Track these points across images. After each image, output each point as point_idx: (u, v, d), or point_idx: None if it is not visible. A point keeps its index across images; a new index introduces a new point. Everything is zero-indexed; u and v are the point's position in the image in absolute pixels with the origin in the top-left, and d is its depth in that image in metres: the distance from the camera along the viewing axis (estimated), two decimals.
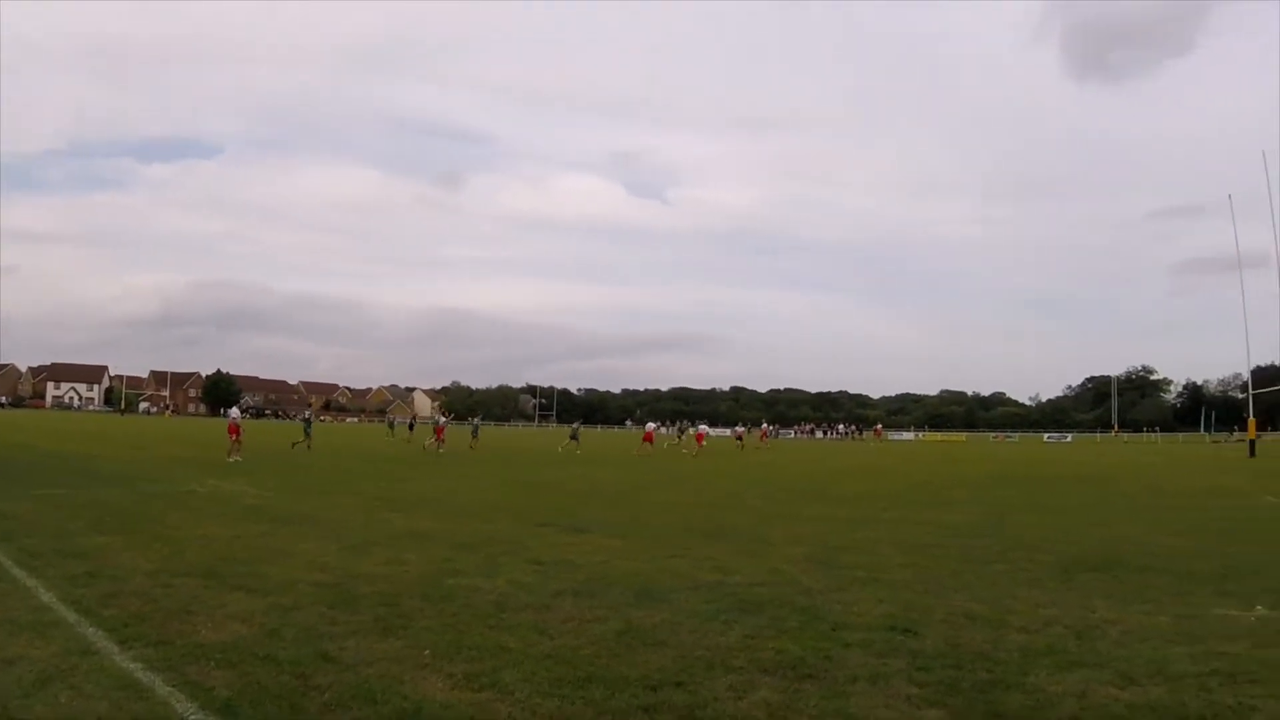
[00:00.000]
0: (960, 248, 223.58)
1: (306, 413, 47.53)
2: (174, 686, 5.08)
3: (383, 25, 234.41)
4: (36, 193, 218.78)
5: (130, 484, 17.80)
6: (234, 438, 26.44)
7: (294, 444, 34.22)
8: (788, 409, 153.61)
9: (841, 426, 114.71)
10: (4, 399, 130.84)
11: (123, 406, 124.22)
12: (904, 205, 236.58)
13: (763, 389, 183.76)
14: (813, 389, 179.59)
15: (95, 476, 19.41)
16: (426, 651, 5.84)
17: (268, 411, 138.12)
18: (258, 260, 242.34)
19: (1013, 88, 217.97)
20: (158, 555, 9.44)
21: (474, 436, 43.67)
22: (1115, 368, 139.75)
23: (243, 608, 7.05)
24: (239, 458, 25.56)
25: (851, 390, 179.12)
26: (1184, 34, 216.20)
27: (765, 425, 59.41)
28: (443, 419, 40.59)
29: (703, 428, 44.46)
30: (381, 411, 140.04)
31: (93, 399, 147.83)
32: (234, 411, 29.16)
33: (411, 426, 51.98)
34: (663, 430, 53.35)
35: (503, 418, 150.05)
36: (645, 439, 41.96)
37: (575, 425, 47.34)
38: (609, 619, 6.91)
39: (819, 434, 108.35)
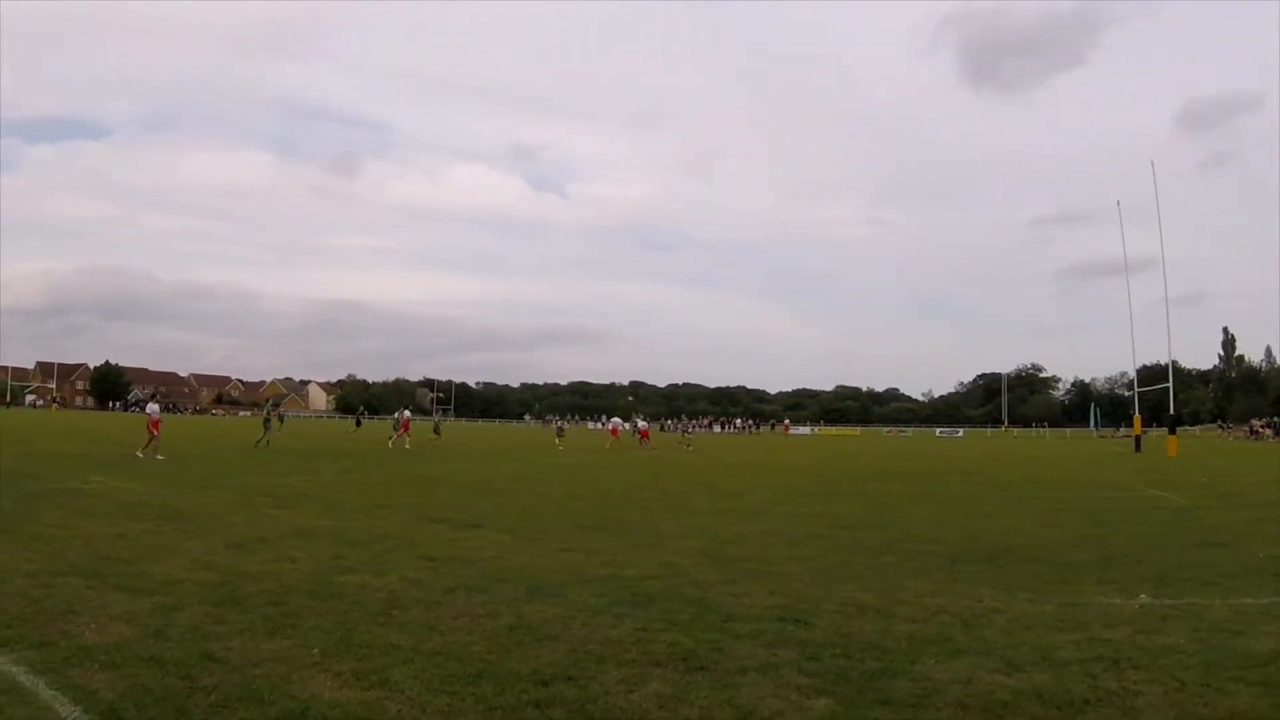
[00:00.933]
0: (853, 247, 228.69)
1: (267, 409, 46.96)
2: (57, 690, 5.02)
3: (279, 5, 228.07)
4: None
5: (11, 481, 17.18)
6: (153, 433, 25.57)
7: (256, 442, 33.86)
8: (686, 403, 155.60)
9: (739, 421, 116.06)
10: None
11: (7, 399, 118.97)
12: (798, 205, 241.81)
13: (662, 384, 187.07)
14: (711, 384, 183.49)
15: None
16: (315, 650, 5.86)
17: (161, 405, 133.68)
18: (145, 247, 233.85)
19: (907, 94, 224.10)
20: (39, 555, 9.20)
21: (435, 432, 45.71)
22: (1006, 365, 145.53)
23: (126, 608, 6.95)
24: (160, 456, 24.59)
25: (750, 385, 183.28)
26: (1075, 48, 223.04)
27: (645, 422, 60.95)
28: (407, 414, 40.57)
29: (642, 424, 45.14)
30: (276, 405, 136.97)
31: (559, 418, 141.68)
32: (153, 407, 28.13)
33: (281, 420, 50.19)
34: (625, 427, 53.71)
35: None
36: (613, 433, 42.18)
37: (436, 418, 48.69)
38: (501, 614, 7.01)
39: (717, 428, 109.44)
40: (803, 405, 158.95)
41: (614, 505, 16.18)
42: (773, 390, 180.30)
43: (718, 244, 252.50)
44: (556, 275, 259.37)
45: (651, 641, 6.26)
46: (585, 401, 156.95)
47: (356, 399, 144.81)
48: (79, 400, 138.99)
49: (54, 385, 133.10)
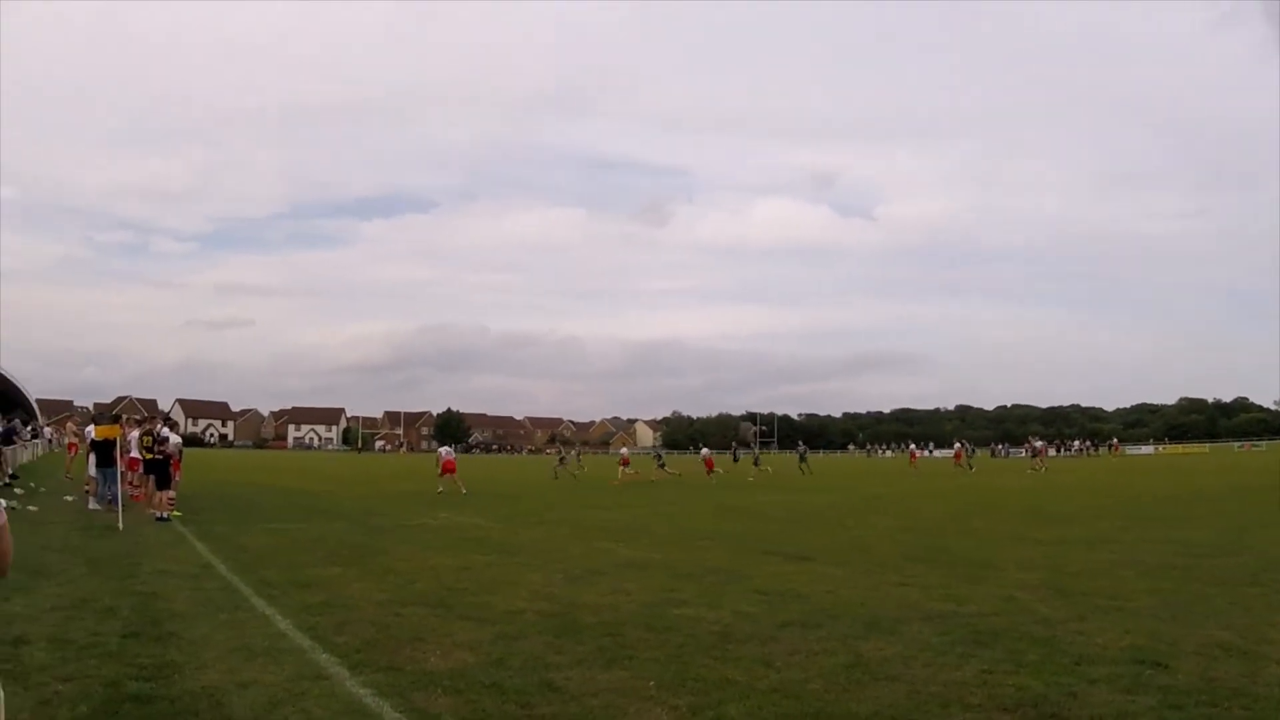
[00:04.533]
0: (1177, 242, 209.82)
1: (559, 449, 50.28)
2: (401, 712, 5.26)
3: (572, 67, 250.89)
4: (263, 252, 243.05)
5: (363, 518, 18.84)
6: (447, 474, 27.80)
7: (555, 474, 38.17)
8: (1016, 426, 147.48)
9: (1076, 443, 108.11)
10: (249, 441, 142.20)
11: (359, 445, 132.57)
12: (1108, 203, 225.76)
13: (989, 406, 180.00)
14: (1043, 404, 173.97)
15: (329, 512, 20.63)
16: (651, 683, 5.82)
17: (495, 447, 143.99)
18: (474, 303, 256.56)
19: (1207, 72, 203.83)
20: (389, 586, 9.91)
21: (755, 465, 46.56)
22: None
23: (470, 636, 7.26)
24: (463, 489, 26.62)
25: (1084, 404, 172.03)
26: None
27: (957, 445, 57.98)
28: (706, 451, 42.04)
29: (705, 452, 43.73)
30: (605, 443, 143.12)
31: (331, 439, 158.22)
32: (444, 450, 30.88)
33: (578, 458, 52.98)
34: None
35: (723, 446, 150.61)
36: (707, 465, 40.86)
37: (659, 452, 48.89)
38: (837, 651, 6.71)
39: (1051, 451, 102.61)
40: (1143, 422, 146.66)
41: (946, 536, 15.36)
42: (1109, 407, 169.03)
43: (1029, 253, 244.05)
44: (871, 300, 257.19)
45: (998, 685, 5.77)
46: (909, 429, 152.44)
47: (681, 435, 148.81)
48: (424, 445, 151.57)
49: (401, 431, 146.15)
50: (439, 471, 28.28)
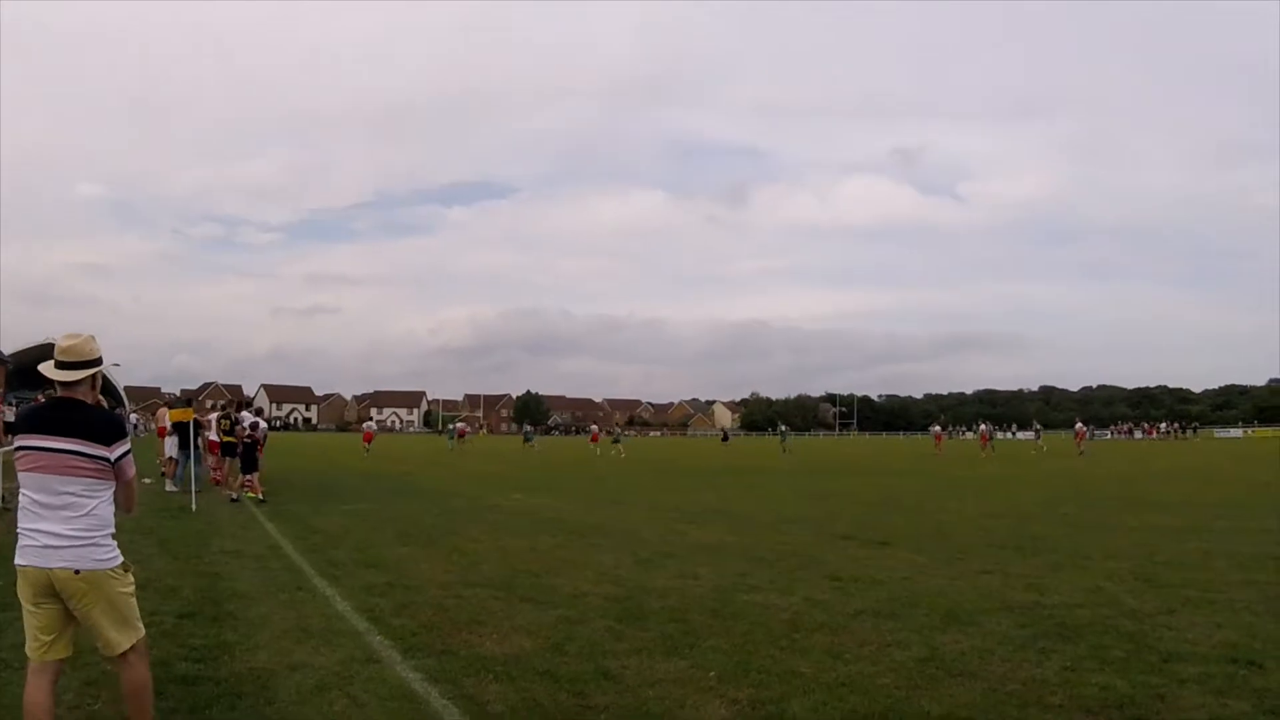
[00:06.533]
0: (1273, 218, 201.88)
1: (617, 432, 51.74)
2: (449, 699, 5.09)
3: (653, 54, 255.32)
4: (351, 242, 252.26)
5: (439, 499, 18.90)
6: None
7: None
8: (1102, 407, 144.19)
9: (1163, 425, 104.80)
10: (332, 425, 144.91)
11: (440, 428, 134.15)
12: (1210, 177, 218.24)
13: (1074, 387, 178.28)
14: (1129, 385, 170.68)
15: (405, 492, 20.80)
16: (712, 674, 5.57)
17: (573, 428, 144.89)
18: (558, 287, 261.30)
19: None
20: (455, 566, 9.83)
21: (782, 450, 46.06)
22: None
23: (530, 620, 7.11)
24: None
25: (1171, 384, 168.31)
26: None
27: (1079, 425, 56.35)
28: (461, 425, 43.21)
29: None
30: (684, 425, 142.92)
31: (413, 422, 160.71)
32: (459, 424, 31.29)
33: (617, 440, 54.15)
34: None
35: (803, 428, 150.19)
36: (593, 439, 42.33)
37: (617, 430, 50.80)
38: (911, 644, 6.37)
39: (1138, 434, 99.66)
40: (1231, 404, 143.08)
41: (1033, 522, 14.72)
42: (1197, 388, 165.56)
43: (1122, 231, 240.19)
44: (954, 280, 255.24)
45: (1080, 684, 5.39)
46: (993, 410, 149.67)
47: (760, 416, 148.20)
48: (503, 427, 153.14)
49: (480, 414, 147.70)
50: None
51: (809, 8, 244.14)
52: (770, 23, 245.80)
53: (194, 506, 15.39)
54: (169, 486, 18.27)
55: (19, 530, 4.00)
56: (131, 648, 4.05)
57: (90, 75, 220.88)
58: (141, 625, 4.15)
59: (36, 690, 3.96)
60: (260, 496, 16.97)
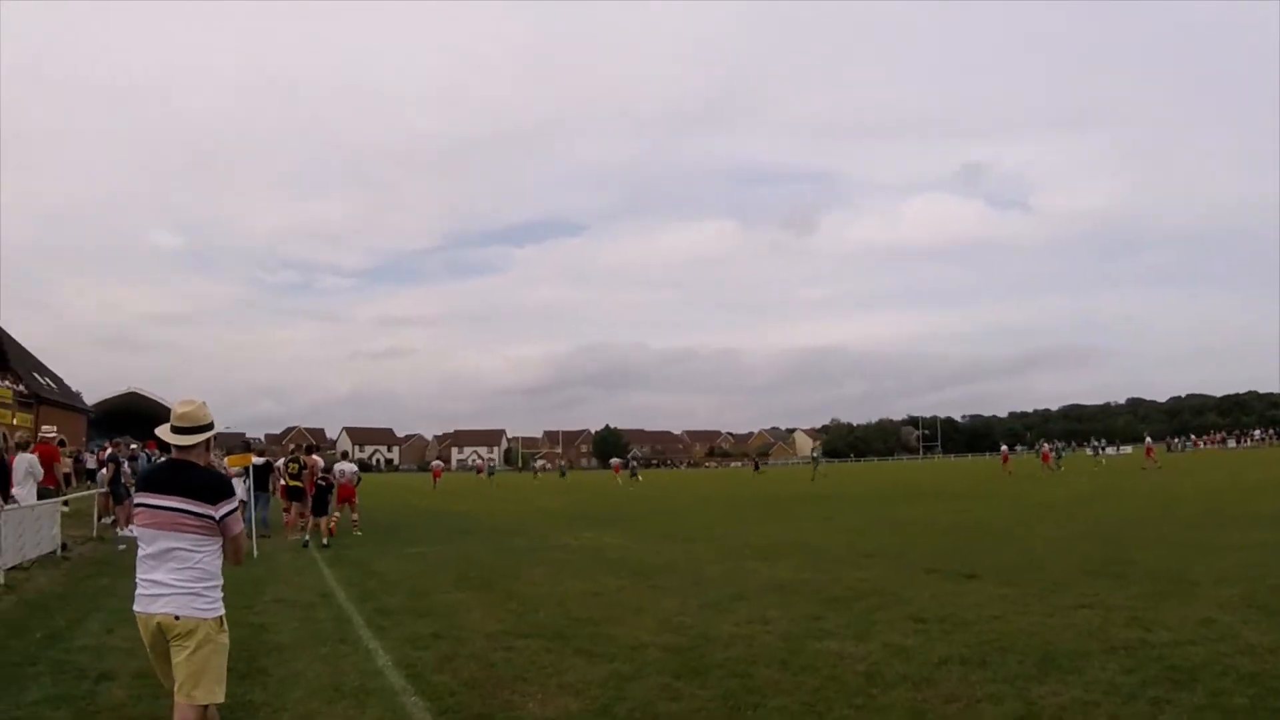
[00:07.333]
0: None
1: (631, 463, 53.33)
2: None
3: (712, 80, 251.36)
4: (422, 283, 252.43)
5: (504, 538, 18.42)
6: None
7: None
8: (1192, 417, 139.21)
9: (1257, 432, 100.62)
10: (413, 465, 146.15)
11: (520, 465, 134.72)
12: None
13: (1162, 398, 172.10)
14: (1218, 392, 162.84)
15: (471, 532, 20.31)
16: None
17: (654, 461, 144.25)
18: (630, 320, 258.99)
19: None
20: (508, 614, 9.29)
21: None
22: None
23: (580, 676, 6.54)
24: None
25: (1262, 390, 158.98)
26: None
27: (1148, 440, 54.46)
28: (437, 463, 43.34)
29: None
30: (765, 454, 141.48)
31: (493, 459, 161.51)
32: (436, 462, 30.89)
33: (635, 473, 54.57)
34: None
35: (885, 452, 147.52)
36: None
37: (631, 460, 51.48)
38: (1005, 697, 5.63)
39: (1231, 443, 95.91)
40: None
41: (1127, 544, 13.67)
42: None
43: (1197, 238, 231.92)
44: (1032, 294, 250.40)
45: None
46: (1079, 426, 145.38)
47: (841, 443, 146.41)
48: (583, 462, 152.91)
49: (560, 450, 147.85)
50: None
51: (861, 26, 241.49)
52: (829, 41, 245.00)
53: (255, 552, 15.10)
54: None
55: (136, 580, 4.34)
56: (203, 708, 4.25)
57: (160, 125, 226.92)
58: (221, 692, 4.34)
59: None
60: (325, 541, 16.73)
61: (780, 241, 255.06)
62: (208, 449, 4.59)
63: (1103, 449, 66.16)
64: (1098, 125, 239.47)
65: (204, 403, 4.56)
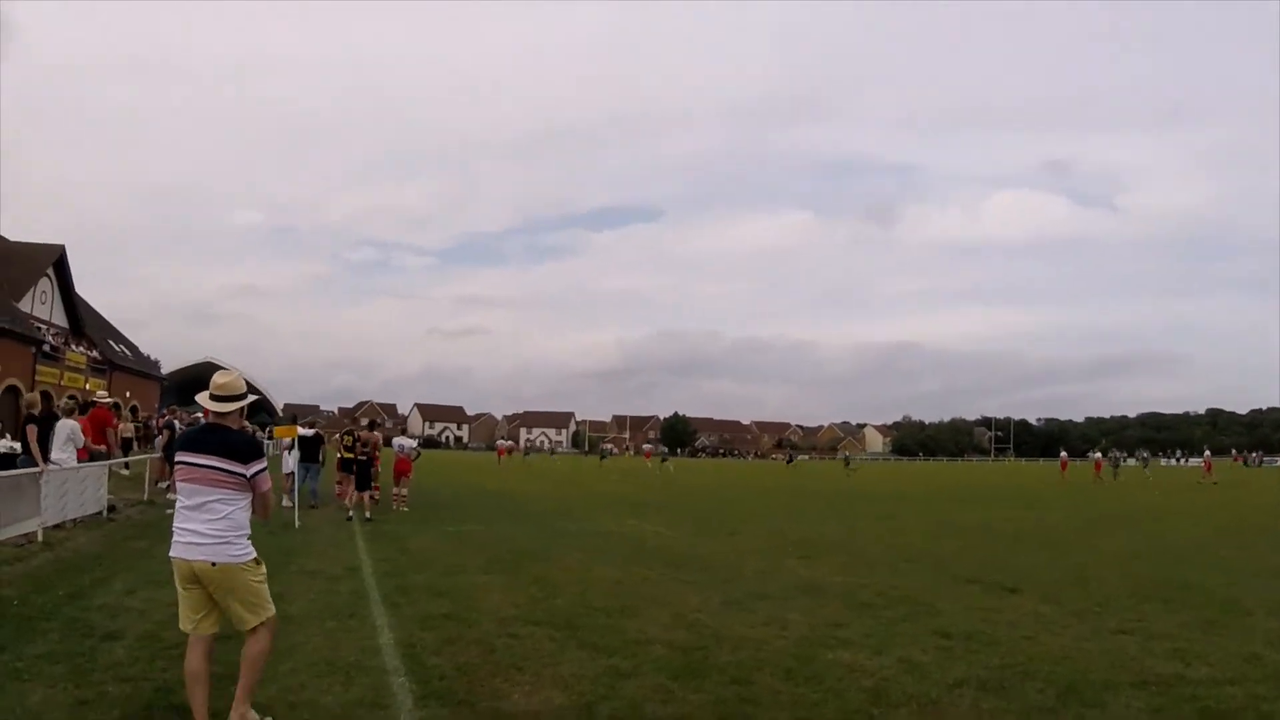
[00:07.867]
0: None
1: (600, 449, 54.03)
2: None
3: (796, 71, 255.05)
4: (500, 265, 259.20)
5: (550, 520, 18.34)
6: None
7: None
8: (1272, 431, 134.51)
9: None
10: (482, 444, 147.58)
11: (587, 448, 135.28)
12: None
13: (1243, 410, 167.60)
14: None
15: (519, 515, 20.20)
16: None
17: (720, 451, 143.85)
18: (705, 309, 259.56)
19: None
20: (526, 598, 9.17)
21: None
22: None
23: (574, 670, 6.35)
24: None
25: None
26: None
27: (1207, 453, 53.03)
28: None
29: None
30: (833, 448, 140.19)
31: (561, 442, 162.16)
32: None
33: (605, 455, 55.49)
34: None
35: (956, 452, 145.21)
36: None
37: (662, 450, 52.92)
38: None
39: None
40: None
41: (1184, 565, 13.08)
42: None
43: None
44: (1115, 296, 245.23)
45: None
46: (1157, 435, 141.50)
47: (912, 441, 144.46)
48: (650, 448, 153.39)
49: (628, 435, 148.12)
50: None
51: (948, 18, 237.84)
52: (914, 34, 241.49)
53: (297, 523, 15.19)
54: (284, 502, 18.24)
55: (173, 528, 4.91)
56: (262, 623, 4.90)
57: (247, 107, 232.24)
58: (272, 606, 5.03)
59: (194, 659, 4.84)
60: (368, 514, 16.79)
61: (860, 234, 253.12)
62: (241, 416, 5.20)
63: (1148, 459, 64.68)
64: (1188, 125, 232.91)
65: (240, 375, 5.31)
